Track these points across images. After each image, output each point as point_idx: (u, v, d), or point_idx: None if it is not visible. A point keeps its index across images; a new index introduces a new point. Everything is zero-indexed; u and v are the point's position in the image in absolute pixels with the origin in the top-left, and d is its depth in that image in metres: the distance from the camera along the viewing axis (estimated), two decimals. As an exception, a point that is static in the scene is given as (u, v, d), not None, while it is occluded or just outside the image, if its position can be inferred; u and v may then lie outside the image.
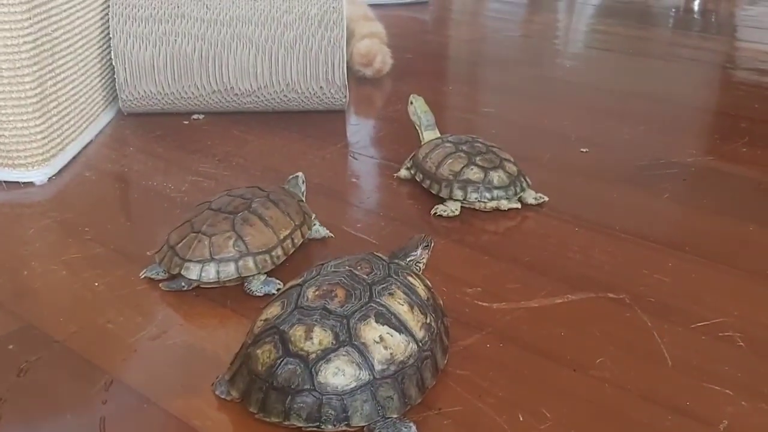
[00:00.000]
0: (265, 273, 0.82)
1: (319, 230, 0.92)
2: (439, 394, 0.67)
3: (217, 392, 0.66)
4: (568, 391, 0.68)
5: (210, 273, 0.79)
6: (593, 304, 0.80)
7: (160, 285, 0.82)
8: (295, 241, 0.85)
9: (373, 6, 1.77)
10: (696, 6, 2.39)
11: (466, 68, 1.71)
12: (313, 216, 0.91)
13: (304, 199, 0.93)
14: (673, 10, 2.30)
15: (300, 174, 0.96)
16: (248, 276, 0.81)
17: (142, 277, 0.83)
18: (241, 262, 0.80)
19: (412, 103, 1.13)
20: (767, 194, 1.06)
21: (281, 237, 0.83)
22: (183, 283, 0.81)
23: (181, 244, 0.81)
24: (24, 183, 1.03)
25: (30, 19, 0.98)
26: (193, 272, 0.79)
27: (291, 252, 0.85)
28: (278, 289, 0.79)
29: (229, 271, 0.80)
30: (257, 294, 0.80)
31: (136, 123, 1.25)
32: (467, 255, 0.90)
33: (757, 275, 0.86)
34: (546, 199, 1.01)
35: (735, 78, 1.63)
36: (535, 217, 0.99)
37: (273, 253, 0.82)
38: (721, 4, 2.40)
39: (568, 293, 0.82)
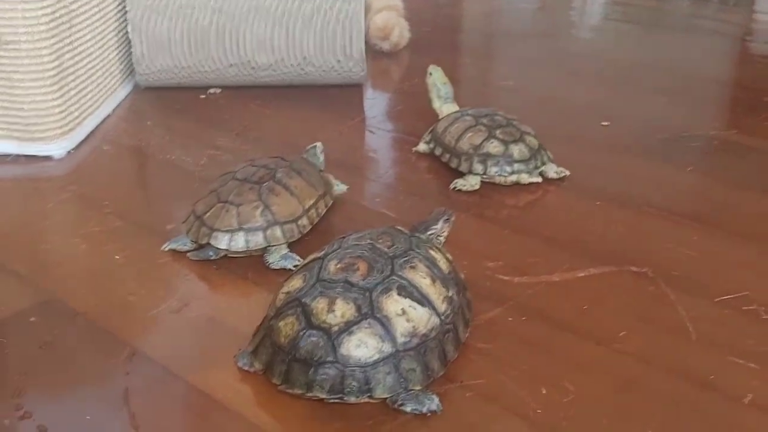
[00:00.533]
0: (288, 245, 0.82)
1: (340, 187, 0.93)
2: (462, 366, 0.66)
3: (239, 364, 0.66)
4: (590, 364, 0.68)
5: (239, 242, 0.80)
6: (615, 278, 0.80)
7: (188, 255, 0.82)
8: (319, 210, 0.86)
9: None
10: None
11: (483, 41, 1.69)
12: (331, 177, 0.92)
13: (323, 168, 0.93)
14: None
15: (318, 144, 0.95)
16: (274, 245, 0.81)
17: (166, 249, 0.83)
18: (269, 231, 0.81)
19: (431, 74, 1.11)
20: (791, 168, 1.05)
21: (306, 206, 0.84)
22: (211, 253, 0.81)
23: (208, 213, 0.81)
24: (43, 157, 1.03)
25: (47, -9, 0.97)
26: (222, 241, 0.80)
27: (316, 221, 0.86)
28: (295, 265, 0.79)
29: (258, 240, 0.80)
30: (274, 267, 0.80)
31: (153, 97, 1.25)
32: (488, 229, 0.90)
33: (781, 249, 0.86)
34: (567, 173, 1.00)
35: (755, 51, 1.61)
36: (556, 191, 0.98)
37: (299, 222, 0.83)
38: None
39: (590, 267, 0.81)
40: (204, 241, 0.81)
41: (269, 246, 0.81)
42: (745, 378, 0.66)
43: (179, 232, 0.86)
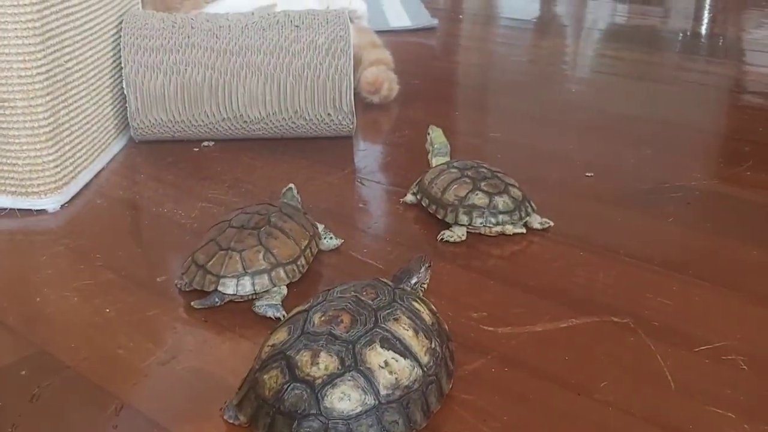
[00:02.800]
0: (282, 292, 0.85)
1: (331, 242, 0.96)
2: (445, 418, 0.67)
3: (225, 417, 0.67)
4: (572, 414, 0.69)
5: (246, 286, 0.83)
6: (597, 328, 0.81)
7: (192, 304, 0.84)
8: (313, 250, 0.90)
9: (381, 32, 1.79)
10: (703, 30, 2.41)
11: (474, 93, 1.73)
12: (322, 227, 0.96)
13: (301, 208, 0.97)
14: (681, 34, 2.32)
15: (292, 185, 1.00)
16: (279, 286, 0.84)
17: (176, 284, 0.87)
18: (273, 273, 0.84)
19: (430, 134, 1.15)
20: (772, 217, 1.07)
21: (302, 247, 0.88)
22: (216, 299, 0.84)
23: (212, 262, 0.84)
24: (37, 210, 1.05)
25: (44, 50, 1.00)
26: (229, 287, 0.83)
27: (311, 261, 0.89)
28: (278, 317, 0.81)
29: (264, 282, 0.84)
30: (257, 311, 0.83)
31: (147, 150, 1.27)
32: (473, 279, 0.91)
33: (760, 298, 0.87)
34: (551, 223, 1.02)
35: (740, 102, 1.64)
36: (541, 241, 1.00)
37: (298, 263, 0.87)
38: (728, 28, 2.42)
39: (573, 317, 0.83)
40: (211, 288, 0.83)
41: (273, 287, 0.84)
42: (723, 427, 0.67)
43: (169, 285, 0.88)
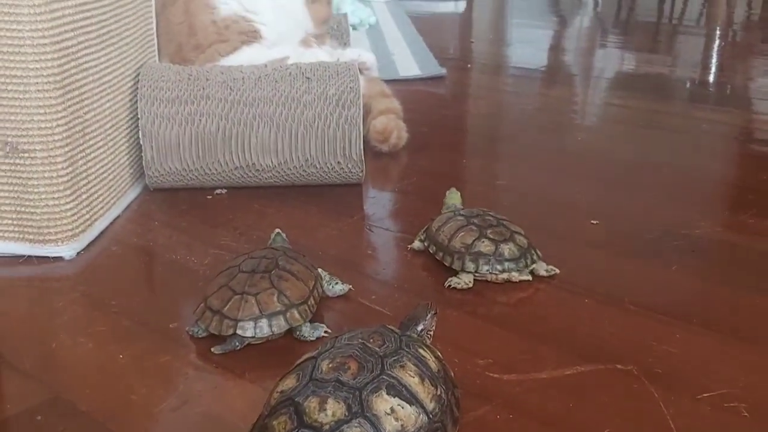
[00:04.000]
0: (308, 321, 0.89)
1: (336, 288, 0.98)
2: (450, 464, 0.69)
3: (234, 462, 0.68)
4: (575, 461, 0.70)
5: (263, 328, 0.86)
6: (601, 376, 0.82)
7: (212, 350, 0.86)
8: (319, 290, 0.94)
9: (391, 81, 1.83)
10: (710, 78, 2.44)
11: (482, 141, 1.75)
12: (327, 274, 0.99)
13: None
14: (688, 82, 2.35)
15: (278, 230, 1.04)
16: (296, 326, 0.88)
17: (187, 330, 0.90)
18: (288, 314, 0.87)
19: (447, 195, 1.17)
20: (775, 265, 1.08)
21: (310, 287, 0.92)
22: (237, 343, 0.86)
23: (228, 306, 0.87)
24: (54, 258, 1.08)
25: (64, 102, 1.04)
26: (248, 330, 0.85)
27: (318, 301, 0.93)
28: (326, 332, 0.89)
29: (280, 323, 0.87)
30: (310, 339, 0.88)
31: (161, 198, 1.30)
32: (479, 326, 0.93)
33: (762, 346, 0.88)
34: (557, 271, 1.03)
35: (746, 150, 1.66)
36: (546, 289, 1.01)
37: (309, 303, 0.90)
38: (735, 77, 2.45)
39: (577, 365, 0.84)
40: (229, 333, 0.86)
41: (291, 327, 0.88)
42: (725, 475, 0.68)
43: (181, 331, 0.90)
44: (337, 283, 0.98)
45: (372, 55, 1.63)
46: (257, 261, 0.92)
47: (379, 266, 1.09)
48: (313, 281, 0.93)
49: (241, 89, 1.27)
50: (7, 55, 0.99)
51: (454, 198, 1.17)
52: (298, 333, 0.89)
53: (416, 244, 1.12)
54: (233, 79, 1.29)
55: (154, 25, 1.36)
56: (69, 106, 1.05)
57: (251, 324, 0.86)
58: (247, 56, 1.40)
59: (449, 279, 1.02)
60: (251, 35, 1.42)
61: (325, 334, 0.88)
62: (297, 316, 0.88)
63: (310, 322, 0.90)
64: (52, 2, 1.00)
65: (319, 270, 0.98)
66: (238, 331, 0.85)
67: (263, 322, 0.86)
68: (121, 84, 1.22)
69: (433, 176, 1.44)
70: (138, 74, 1.28)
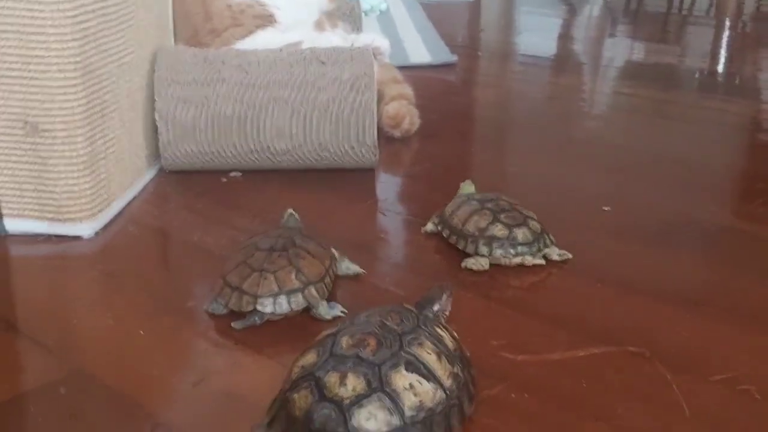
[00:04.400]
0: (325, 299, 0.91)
1: (350, 267, 1.00)
2: (466, 440, 0.70)
3: (255, 436, 0.70)
4: (589, 439, 0.71)
5: (283, 305, 0.88)
6: (614, 358, 0.84)
7: (232, 324, 0.88)
8: (334, 269, 0.96)
9: (402, 67, 1.84)
10: (720, 68, 2.44)
11: (492, 128, 1.76)
12: (337, 253, 0.99)
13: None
14: (697, 72, 2.35)
15: (291, 210, 1.05)
16: (312, 304, 0.89)
17: (205, 309, 0.91)
18: (306, 291, 0.89)
19: (462, 186, 1.17)
20: (785, 252, 1.10)
21: (326, 266, 0.93)
22: (256, 318, 0.88)
23: (247, 283, 0.88)
24: (72, 237, 1.09)
25: (84, 83, 1.05)
26: (267, 306, 0.87)
27: (334, 279, 0.95)
28: (342, 312, 0.90)
29: (299, 300, 0.88)
30: (326, 318, 0.89)
31: (177, 180, 1.31)
32: (493, 309, 0.94)
33: (773, 331, 0.89)
34: (569, 256, 1.05)
35: (755, 140, 1.67)
36: (559, 273, 1.03)
37: (325, 281, 0.92)
38: (745, 68, 2.45)
39: (590, 347, 0.85)
40: (249, 309, 0.87)
41: (308, 305, 0.89)
42: (737, 454, 0.69)
43: (199, 309, 0.91)
44: (350, 263, 1.00)
45: (386, 40, 1.63)
46: (274, 240, 0.94)
47: (392, 249, 1.11)
48: (329, 260, 0.95)
49: (256, 73, 1.28)
50: (29, 35, 1.00)
51: (468, 189, 1.17)
52: (314, 311, 0.90)
53: (429, 227, 1.13)
54: (248, 62, 1.30)
55: (170, 9, 1.36)
56: (88, 87, 1.06)
57: (270, 300, 0.87)
58: (261, 40, 1.41)
59: (465, 260, 1.03)
60: (266, 19, 1.43)
61: (341, 314, 0.90)
62: (314, 293, 0.90)
63: (327, 301, 0.91)
64: (73, -17, 1.01)
65: (332, 249, 0.99)
66: (258, 307, 0.87)
67: (282, 299, 0.88)
68: (139, 66, 1.24)
69: (444, 163, 1.45)
70: (155, 57, 1.29)
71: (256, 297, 0.87)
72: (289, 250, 0.92)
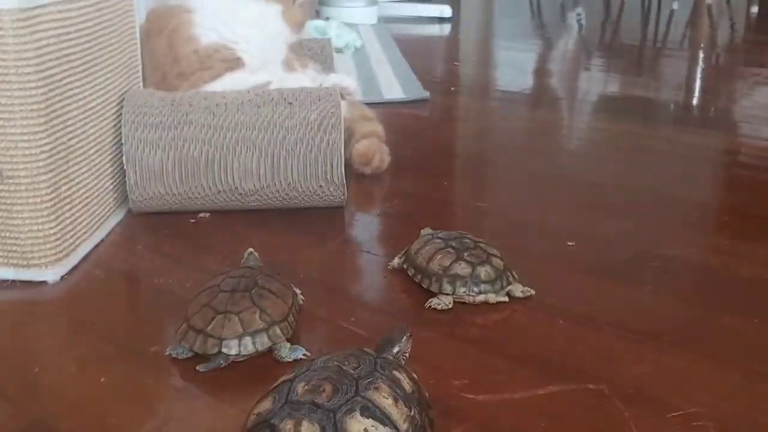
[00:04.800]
0: (287, 340, 0.92)
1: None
2: (422, 484, 0.70)
3: (211, 484, 0.70)
4: (546, 480, 0.71)
5: (248, 346, 0.88)
6: (574, 395, 0.84)
7: (197, 367, 0.88)
8: (297, 307, 0.97)
9: (375, 104, 1.86)
10: (694, 101, 2.47)
11: (464, 164, 1.78)
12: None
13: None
14: (672, 105, 2.38)
15: (251, 249, 1.07)
16: (277, 344, 0.90)
17: (167, 354, 0.91)
18: (270, 331, 0.90)
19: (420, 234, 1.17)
20: (745, 286, 1.10)
21: (289, 305, 0.94)
22: (221, 361, 0.88)
23: (211, 326, 0.89)
24: (38, 282, 1.09)
25: (47, 130, 1.06)
26: (233, 348, 0.88)
27: (296, 317, 0.95)
28: (304, 354, 0.90)
29: (263, 340, 0.89)
30: (288, 359, 0.90)
31: (145, 222, 1.32)
32: (456, 347, 0.95)
33: (731, 365, 0.90)
34: (532, 292, 1.05)
35: (728, 172, 1.69)
36: (522, 310, 1.03)
37: (289, 319, 0.93)
38: (719, 100, 2.48)
39: (550, 385, 0.86)
40: (214, 351, 0.88)
41: (273, 345, 0.90)
42: (691, 492, 0.69)
43: (162, 354, 0.91)
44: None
45: (353, 80, 1.65)
46: (237, 280, 0.94)
47: (360, 288, 1.11)
48: (291, 298, 0.96)
49: (223, 114, 1.29)
50: (-8, 83, 1.01)
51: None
52: (277, 354, 0.90)
53: (395, 262, 1.14)
54: (216, 104, 1.31)
55: (138, 52, 1.38)
56: (53, 133, 1.07)
57: (235, 342, 0.88)
58: (230, 82, 1.42)
59: (430, 300, 1.04)
60: (234, 63, 1.45)
61: (303, 357, 0.90)
62: (279, 332, 0.90)
63: (290, 343, 0.92)
64: (36, 32, 1.02)
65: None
66: (223, 350, 0.87)
67: (247, 340, 0.88)
68: (106, 110, 1.24)
69: (416, 199, 1.46)
70: (122, 100, 1.30)
71: (221, 339, 0.88)
72: (251, 290, 0.93)
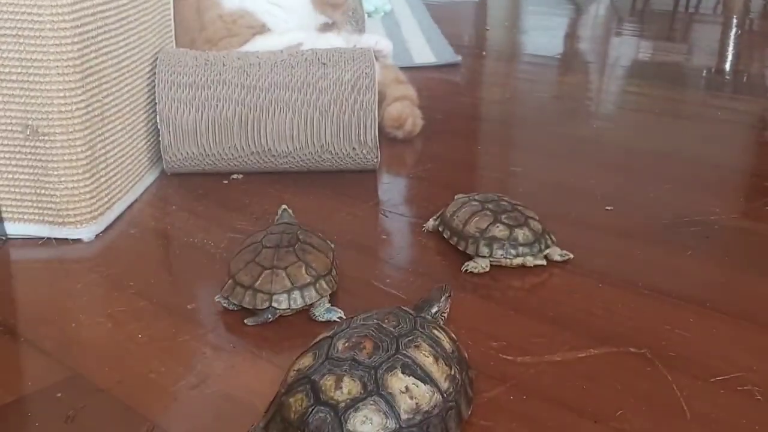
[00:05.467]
0: (329, 299, 0.92)
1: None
2: (463, 443, 0.70)
3: (251, 439, 0.69)
4: (588, 442, 0.70)
5: (297, 300, 0.89)
6: (615, 358, 0.83)
7: (245, 321, 0.89)
8: (337, 262, 0.96)
9: (406, 68, 1.83)
10: (727, 66, 2.43)
11: (496, 128, 1.76)
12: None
13: None
14: (705, 70, 2.34)
15: (285, 206, 1.06)
16: (323, 297, 0.90)
17: (217, 300, 0.92)
18: (317, 285, 0.90)
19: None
20: (790, 251, 1.08)
21: (331, 259, 0.95)
22: (269, 315, 0.89)
23: (259, 281, 0.89)
24: (73, 240, 1.09)
25: (83, 86, 1.05)
26: (283, 302, 0.88)
27: (337, 271, 0.96)
28: (340, 317, 0.89)
29: (311, 294, 0.90)
30: (320, 319, 0.89)
31: (178, 183, 1.31)
32: (493, 310, 0.94)
33: (777, 331, 0.88)
34: (571, 256, 1.04)
35: (762, 138, 1.66)
36: (561, 273, 1.02)
37: (333, 274, 0.93)
38: (752, 65, 2.43)
39: (591, 348, 0.85)
40: (265, 306, 0.88)
41: (321, 298, 0.90)
42: (738, 456, 0.68)
43: (199, 312, 0.91)
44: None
45: (389, 41, 1.63)
46: (279, 236, 0.94)
47: (393, 251, 1.10)
48: (331, 252, 0.97)
49: (257, 75, 1.28)
50: (28, 39, 1.00)
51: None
52: (312, 312, 0.90)
53: (430, 224, 1.13)
54: (250, 64, 1.29)
55: (171, 12, 1.36)
56: (88, 90, 1.06)
57: (285, 296, 0.88)
58: (260, 44, 1.41)
59: (466, 263, 1.02)
60: (258, 29, 1.43)
61: (338, 320, 0.89)
62: (325, 286, 0.91)
63: (328, 303, 0.91)
64: (72, -13, 1.01)
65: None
66: (274, 304, 0.88)
67: (296, 294, 0.89)
68: (140, 69, 1.23)
69: (448, 163, 1.44)
70: (156, 59, 1.29)
71: (270, 294, 0.88)
72: (295, 245, 0.93)
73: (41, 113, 1.03)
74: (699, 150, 1.53)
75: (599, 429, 0.72)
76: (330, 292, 0.91)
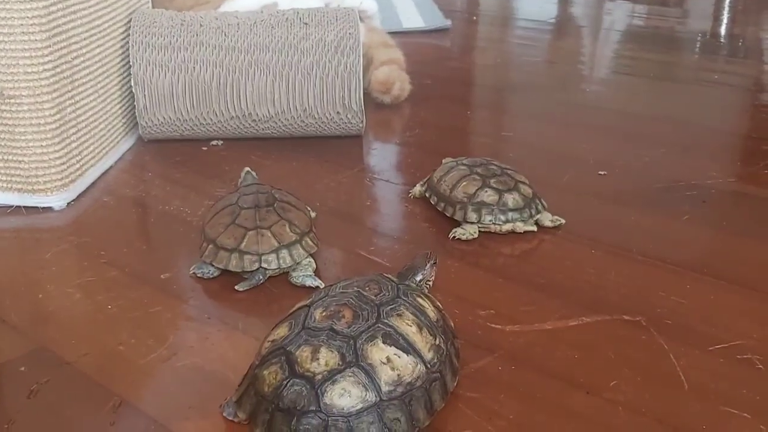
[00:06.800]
0: (313, 265, 0.88)
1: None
2: (449, 416, 0.66)
3: (224, 414, 0.65)
4: (580, 414, 0.67)
5: (286, 258, 0.86)
6: (608, 327, 0.79)
7: (236, 287, 0.85)
8: (314, 220, 0.94)
9: (394, 33, 1.78)
10: (723, 31, 2.38)
11: (487, 93, 1.71)
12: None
13: None
14: (700, 35, 2.29)
15: (247, 168, 1.01)
16: (310, 254, 0.87)
17: (192, 273, 0.88)
18: (303, 242, 0.88)
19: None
20: (790, 216, 1.04)
21: (309, 216, 0.92)
22: (260, 276, 0.85)
23: (244, 242, 0.85)
24: (43, 208, 1.05)
25: (50, 47, 1.00)
26: (272, 262, 0.85)
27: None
28: (317, 286, 0.85)
29: (299, 252, 0.87)
30: (296, 282, 0.86)
31: (155, 149, 1.26)
32: (482, 277, 0.90)
33: (777, 297, 0.85)
34: (563, 221, 1.00)
35: (759, 101, 1.62)
36: (552, 239, 0.98)
37: (314, 230, 0.91)
38: (748, 29, 2.39)
39: (583, 315, 0.81)
40: (254, 267, 0.85)
41: (307, 256, 0.87)
42: (738, 428, 0.65)
43: (175, 282, 0.87)
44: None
45: (374, 3, 1.57)
46: (254, 197, 0.91)
47: (379, 218, 1.06)
48: (309, 211, 0.95)
49: (235, 35, 1.23)
50: (-10, -5, 0.95)
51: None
52: (292, 275, 0.87)
53: (417, 189, 1.09)
54: (228, 24, 1.24)
55: (146, -30, 1.31)
56: (55, 51, 1.01)
57: (273, 256, 0.85)
58: (231, 5, 1.35)
59: (454, 230, 0.98)
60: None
61: (312, 286, 0.85)
62: (311, 243, 0.88)
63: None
64: (36, -60, 0.96)
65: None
66: (263, 265, 0.85)
67: (284, 253, 0.86)
68: (112, 29, 1.18)
69: (437, 128, 1.40)
70: (130, 19, 1.23)
71: (259, 255, 0.85)
72: (273, 204, 0.90)
73: (6, 74, 0.98)
74: (695, 114, 1.49)
75: (592, 400, 0.68)
76: (315, 249, 0.88)
